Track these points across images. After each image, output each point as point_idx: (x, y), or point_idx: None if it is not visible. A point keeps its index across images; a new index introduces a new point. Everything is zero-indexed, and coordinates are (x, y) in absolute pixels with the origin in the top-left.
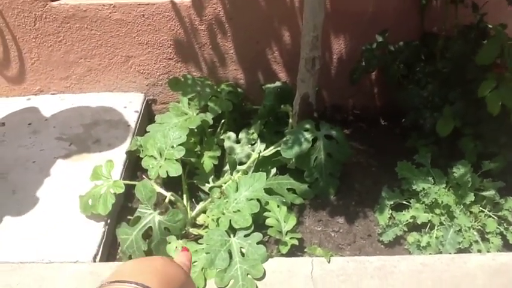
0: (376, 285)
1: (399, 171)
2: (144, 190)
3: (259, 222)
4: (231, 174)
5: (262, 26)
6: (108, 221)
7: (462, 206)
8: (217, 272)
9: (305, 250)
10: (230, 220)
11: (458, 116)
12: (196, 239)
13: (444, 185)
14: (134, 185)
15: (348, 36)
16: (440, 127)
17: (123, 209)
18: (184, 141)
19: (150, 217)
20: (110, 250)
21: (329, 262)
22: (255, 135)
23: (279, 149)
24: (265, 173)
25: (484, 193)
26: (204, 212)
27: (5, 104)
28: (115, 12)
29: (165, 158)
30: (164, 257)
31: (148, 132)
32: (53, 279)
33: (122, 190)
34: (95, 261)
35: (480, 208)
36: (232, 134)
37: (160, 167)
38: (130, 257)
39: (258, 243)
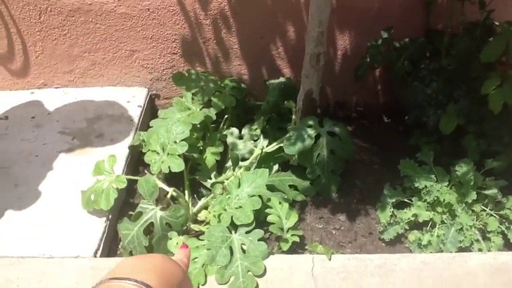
0: (376, 283)
1: (402, 169)
2: (147, 185)
3: (260, 219)
4: (234, 170)
5: (267, 21)
6: (110, 216)
7: (464, 205)
8: (218, 268)
9: (306, 247)
10: (232, 216)
11: (462, 114)
12: (198, 235)
13: (446, 183)
14: (136, 180)
15: (353, 32)
16: (444, 125)
17: (125, 204)
18: (187, 137)
19: (152, 212)
20: (111, 245)
21: (330, 260)
22: (258, 131)
23: (281, 145)
24: (267, 169)
25: (486, 192)
26: (206, 208)
27: (9, 97)
28: (120, 6)
29: (168, 153)
30: (163, 254)
31: (152, 127)
32: (54, 274)
33: (124, 185)
34: (95, 256)
35: (482, 207)
36: (235, 130)
37: (162, 162)
38: (131, 253)
39: (259, 240)
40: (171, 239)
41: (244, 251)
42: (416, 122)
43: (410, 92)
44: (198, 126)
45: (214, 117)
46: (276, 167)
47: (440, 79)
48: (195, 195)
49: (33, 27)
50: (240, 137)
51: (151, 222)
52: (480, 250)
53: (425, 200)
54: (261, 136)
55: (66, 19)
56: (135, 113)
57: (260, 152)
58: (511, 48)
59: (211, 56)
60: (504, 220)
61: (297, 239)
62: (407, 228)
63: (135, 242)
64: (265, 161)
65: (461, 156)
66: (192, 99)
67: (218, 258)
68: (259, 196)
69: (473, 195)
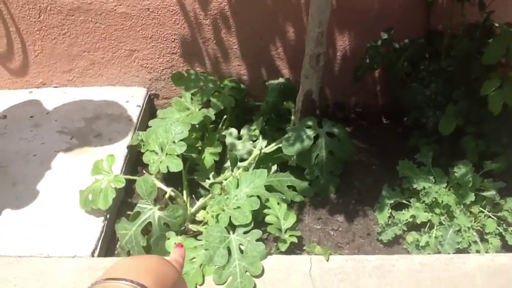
0: (374, 284)
1: (400, 170)
2: (145, 185)
3: (258, 219)
4: (232, 170)
5: (267, 22)
6: (108, 215)
7: (462, 206)
8: (215, 268)
9: (304, 248)
10: (230, 217)
11: (461, 115)
12: (196, 235)
13: (445, 185)
14: (134, 180)
15: (353, 33)
16: (443, 126)
17: (123, 204)
18: (186, 137)
19: (150, 212)
20: (108, 245)
21: (328, 260)
22: (257, 132)
23: (280, 145)
24: (266, 170)
25: (485, 193)
26: (204, 208)
27: (7, 96)
28: (120, 5)
29: (167, 153)
30: (158, 256)
31: (150, 127)
32: (51, 274)
33: (122, 185)
34: (93, 256)
35: (480, 208)
36: (234, 130)
37: (161, 162)
38: (129, 253)
39: (257, 240)
40: (169, 239)
41: (242, 252)
42: (416, 123)
43: (410, 93)
44: (197, 126)
45: (213, 118)
46: (274, 167)
47: (439, 80)
48: (193, 196)
49: (32, 26)
50: (239, 138)
51: (150, 222)
52: (478, 252)
53: (423, 201)
54: (260, 137)
55: (66, 18)
56: (134, 112)
57: (259, 152)
58: (511, 50)
59: (211, 56)
60: (502, 222)
61: (295, 240)
62: (405, 229)
63: (133, 242)
64: (263, 161)
65: (460, 158)
66: (191, 99)
67: (216, 258)
68: (258, 196)
69: (472, 197)
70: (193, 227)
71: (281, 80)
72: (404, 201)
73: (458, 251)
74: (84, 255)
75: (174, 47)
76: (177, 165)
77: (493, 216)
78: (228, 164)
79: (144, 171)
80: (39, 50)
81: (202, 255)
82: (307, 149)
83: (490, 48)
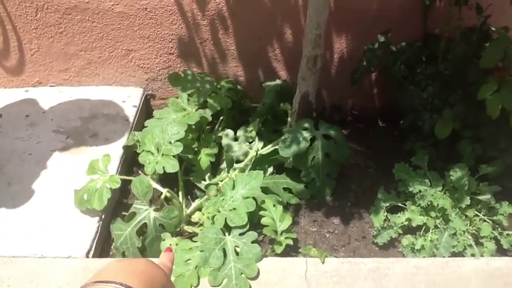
0: (370, 287)
1: (396, 173)
2: (141, 186)
3: (254, 221)
4: (228, 171)
5: (265, 23)
6: (103, 216)
7: (458, 210)
8: (211, 270)
9: (300, 250)
10: (226, 218)
11: (458, 119)
12: (191, 236)
13: (440, 188)
14: (130, 181)
15: (350, 35)
16: (439, 129)
17: (118, 204)
18: (182, 137)
19: (145, 213)
20: (103, 246)
21: (323, 263)
22: (253, 133)
23: (276, 147)
24: (262, 172)
25: (480, 197)
26: (200, 209)
27: (3, 95)
28: (117, 4)
29: (163, 154)
30: (147, 259)
31: (147, 127)
32: (45, 274)
33: (118, 185)
34: (88, 256)
35: (475, 212)
36: (230, 132)
37: (157, 162)
38: (123, 254)
39: (252, 242)
40: (164, 240)
41: (237, 253)
42: (412, 126)
43: (406, 96)
44: (193, 127)
45: (210, 119)
46: (270, 169)
47: (436, 84)
48: (189, 197)
49: (29, 24)
50: (235, 139)
51: (145, 223)
52: (473, 255)
53: (419, 205)
54: (256, 138)
55: (63, 17)
56: (130, 113)
57: (255, 154)
58: (508, 54)
59: (208, 57)
60: (497, 226)
61: (291, 242)
62: (401, 232)
63: (128, 242)
64: (260, 163)
65: (456, 161)
66: (188, 100)
67: (211, 260)
68: (254, 198)
69: (467, 201)
70: (188, 228)
71: (278, 81)
72: (400, 205)
73: (454, 254)
74: (79, 256)
75: (171, 47)
76: (173, 166)
77: (488, 220)
78: (224, 165)
79: (139, 172)
80: (36, 48)
81: (198, 257)
82: (304, 151)
83: (487, 52)
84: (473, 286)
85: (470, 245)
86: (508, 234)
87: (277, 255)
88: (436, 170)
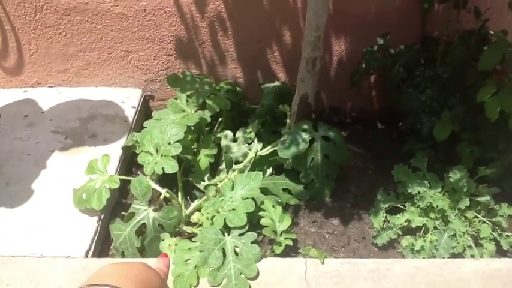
0: None
1: (395, 175)
2: (140, 186)
3: (253, 222)
4: (227, 172)
5: (264, 25)
6: (102, 216)
7: (457, 211)
8: (210, 270)
9: (299, 251)
10: (225, 219)
11: (457, 121)
12: (190, 237)
13: (440, 190)
14: (129, 181)
15: (349, 37)
16: (438, 131)
17: (117, 204)
18: (181, 138)
19: (145, 213)
20: (102, 246)
21: (323, 263)
22: (252, 135)
23: (275, 148)
24: (261, 172)
25: (479, 198)
26: (199, 210)
27: (2, 95)
28: (117, 5)
29: (162, 155)
30: (142, 262)
31: (145, 128)
32: (45, 274)
33: (117, 185)
34: (87, 256)
35: (475, 213)
36: (229, 133)
37: (156, 163)
38: (123, 254)
39: (252, 242)
40: (163, 240)
41: (237, 254)
42: (411, 128)
43: (405, 99)
44: (193, 128)
45: (209, 120)
46: (269, 170)
47: (435, 86)
48: (188, 197)
49: (28, 25)
50: (234, 140)
51: (144, 223)
52: (473, 256)
53: (418, 206)
54: (255, 139)
55: (62, 18)
56: (129, 113)
57: (254, 155)
58: (507, 57)
59: (207, 58)
60: (497, 227)
61: (290, 243)
62: (400, 233)
63: (127, 242)
64: (259, 164)
65: (455, 163)
66: (187, 101)
67: (211, 260)
68: (253, 199)
69: (466, 202)
70: (188, 229)
71: (277, 83)
72: (399, 206)
73: (453, 255)
74: (78, 256)
75: (170, 48)
76: (172, 167)
77: (487, 222)
78: (223, 166)
79: (138, 172)
80: (35, 49)
81: (197, 257)
82: (303, 153)
83: (486, 55)
84: (473, 287)
85: (470, 246)
86: (507, 236)
87: (276, 255)
88: (435, 171)
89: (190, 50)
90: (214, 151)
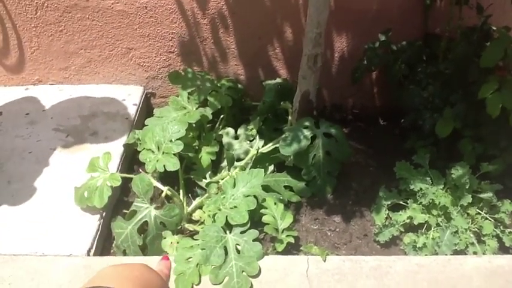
0: (371, 285)
1: (397, 171)
2: (141, 184)
3: (255, 219)
4: (229, 170)
5: (265, 22)
6: (104, 214)
7: (459, 208)
8: (212, 268)
9: (301, 248)
10: (226, 216)
11: (459, 118)
12: (192, 234)
13: (442, 186)
14: (130, 179)
15: (351, 34)
16: (440, 128)
17: (119, 202)
18: (183, 136)
19: (146, 211)
20: (104, 244)
21: (325, 261)
22: (254, 132)
23: (277, 146)
24: (263, 170)
25: (482, 195)
26: (200, 207)
27: (3, 93)
28: (118, 3)
29: (163, 152)
30: (143, 263)
31: (147, 125)
32: (46, 272)
33: (118, 183)
34: (89, 255)
35: (477, 210)
36: (230, 130)
37: (157, 160)
38: (124, 252)
39: (254, 240)
40: (165, 238)
41: (238, 251)
42: (413, 125)
43: (407, 95)
44: (194, 125)
45: (210, 117)
46: (271, 167)
47: (437, 83)
48: (189, 195)
49: (29, 22)
50: (236, 137)
51: (146, 221)
52: (475, 253)
53: (420, 203)
54: (257, 136)
55: (63, 15)
56: (131, 111)
57: (256, 152)
58: (509, 53)
59: (208, 55)
60: (499, 224)
61: (292, 240)
62: (403, 230)
63: (129, 240)
64: (260, 161)
65: (457, 160)
66: (188, 98)
67: (212, 258)
68: (255, 196)
69: (469, 199)
70: (189, 227)
71: (278, 80)
72: (401, 203)
73: (456, 252)
74: (80, 254)
75: (172, 45)
76: (173, 164)
77: (490, 218)
78: (224, 163)
79: (140, 170)
80: (36, 46)
81: (199, 255)
82: (304, 149)
83: (488, 51)
84: (476, 284)
85: (472, 243)
86: (510, 232)
87: (278, 253)
88: (437, 168)
89: (191, 47)
90: (216, 148)
